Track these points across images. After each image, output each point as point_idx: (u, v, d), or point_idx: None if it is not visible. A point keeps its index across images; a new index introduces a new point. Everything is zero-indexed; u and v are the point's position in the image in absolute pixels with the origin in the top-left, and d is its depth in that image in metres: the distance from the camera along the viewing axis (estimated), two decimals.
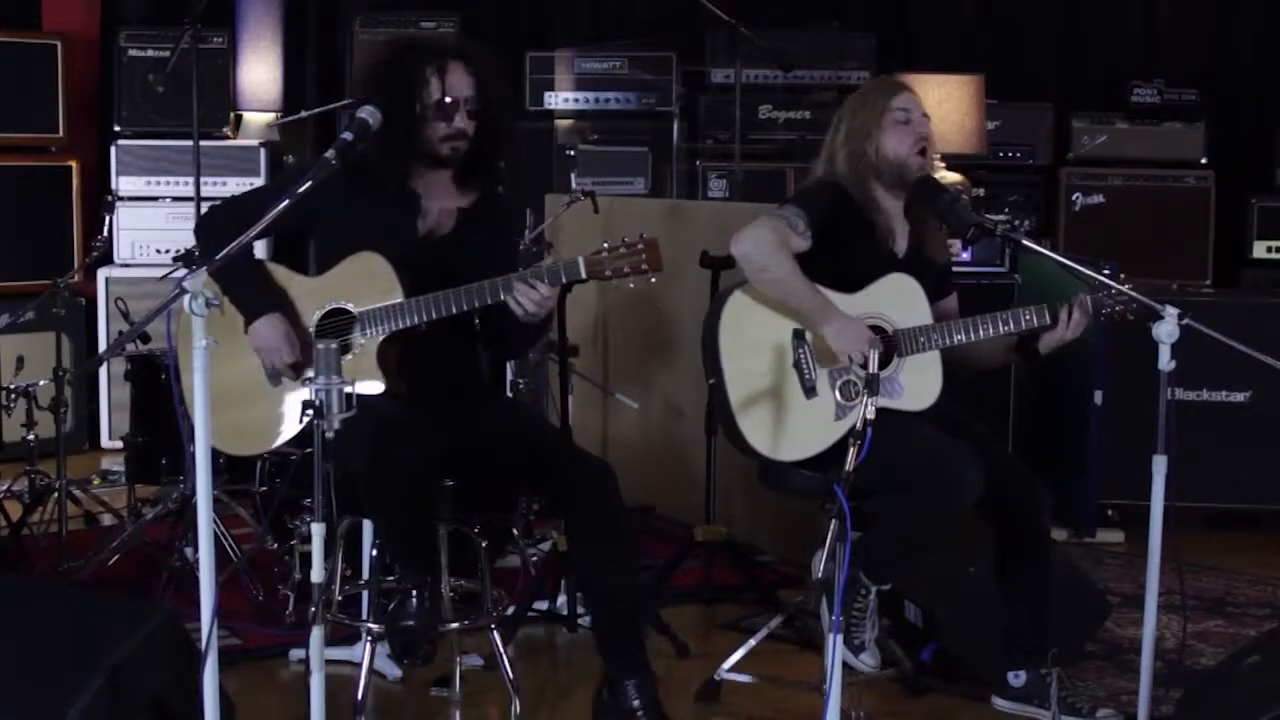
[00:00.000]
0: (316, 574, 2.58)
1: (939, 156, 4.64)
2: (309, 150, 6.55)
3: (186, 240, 5.13)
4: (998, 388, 5.14)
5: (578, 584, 3.78)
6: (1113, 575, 4.64)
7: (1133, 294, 3.20)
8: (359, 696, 3.16)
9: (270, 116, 6.61)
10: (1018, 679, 3.53)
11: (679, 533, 4.73)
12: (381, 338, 3.16)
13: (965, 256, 5.26)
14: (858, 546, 3.28)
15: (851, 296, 3.42)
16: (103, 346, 6.10)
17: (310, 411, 2.56)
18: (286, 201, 2.69)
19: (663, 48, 6.57)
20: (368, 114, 2.87)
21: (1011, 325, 3.41)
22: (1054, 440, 5.12)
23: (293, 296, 3.27)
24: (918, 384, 3.41)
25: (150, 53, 6.28)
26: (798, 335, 3.37)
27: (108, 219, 4.71)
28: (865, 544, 3.33)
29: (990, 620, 3.56)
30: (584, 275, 3.08)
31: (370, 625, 3.24)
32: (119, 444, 5.38)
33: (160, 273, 4.92)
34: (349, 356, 3.16)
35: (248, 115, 6.66)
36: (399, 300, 3.15)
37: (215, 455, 3.32)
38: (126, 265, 6.25)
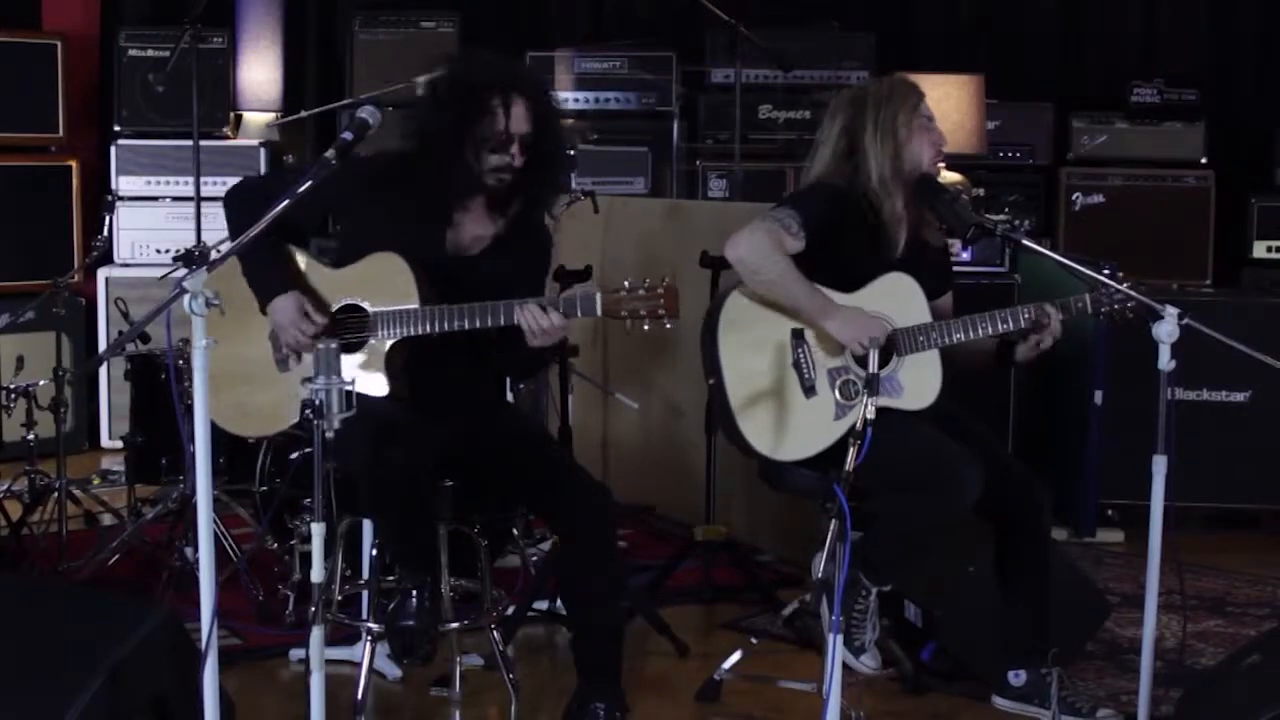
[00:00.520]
0: (316, 574, 2.58)
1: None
2: (309, 150, 6.55)
3: (186, 240, 5.16)
4: (998, 388, 5.14)
5: (563, 603, 3.78)
6: (1113, 575, 4.64)
7: (1132, 294, 3.20)
8: (359, 696, 3.16)
9: (270, 116, 6.61)
10: (1018, 679, 3.53)
11: (679, 533, 4.73)
12: (393, 341, 3.16)
13: (965, 256, 5.26)
14: (858, 547, 3.28)
15: (850, 296, 3.41)
16: (103, 346, 6.10)
17: (310, 411, 2.56)
18: (289, 200, 2.70)
19: (663, 48, 6.56)
20: (368, 113, 2.86)
21: (1010, 324, 3.41)
22: (1054, 440, 5.12)
23: (312, 284, 3.26)
24: (917, 383, 3.40)
25: (150, 53, 6.28)
26: (797, 335, 3.37)
27: (108, 219, 4.71)
28: (865, 544, 3.33)
29: (990, 620, 3.56)
30: (599, 313, 3.08)
31: (370, 625, 3.24)
32: (119, 444, 5.38)
33: (160, 273, 4.93)
34: (359, 355, 3.16)
35: (248, 115, 6.66)
36: (415, 306, 3.15)
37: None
38: (126, 265, 6.25)
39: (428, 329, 3.12)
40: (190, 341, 2.47)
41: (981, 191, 6.14)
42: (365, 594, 3.43)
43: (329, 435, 2.57)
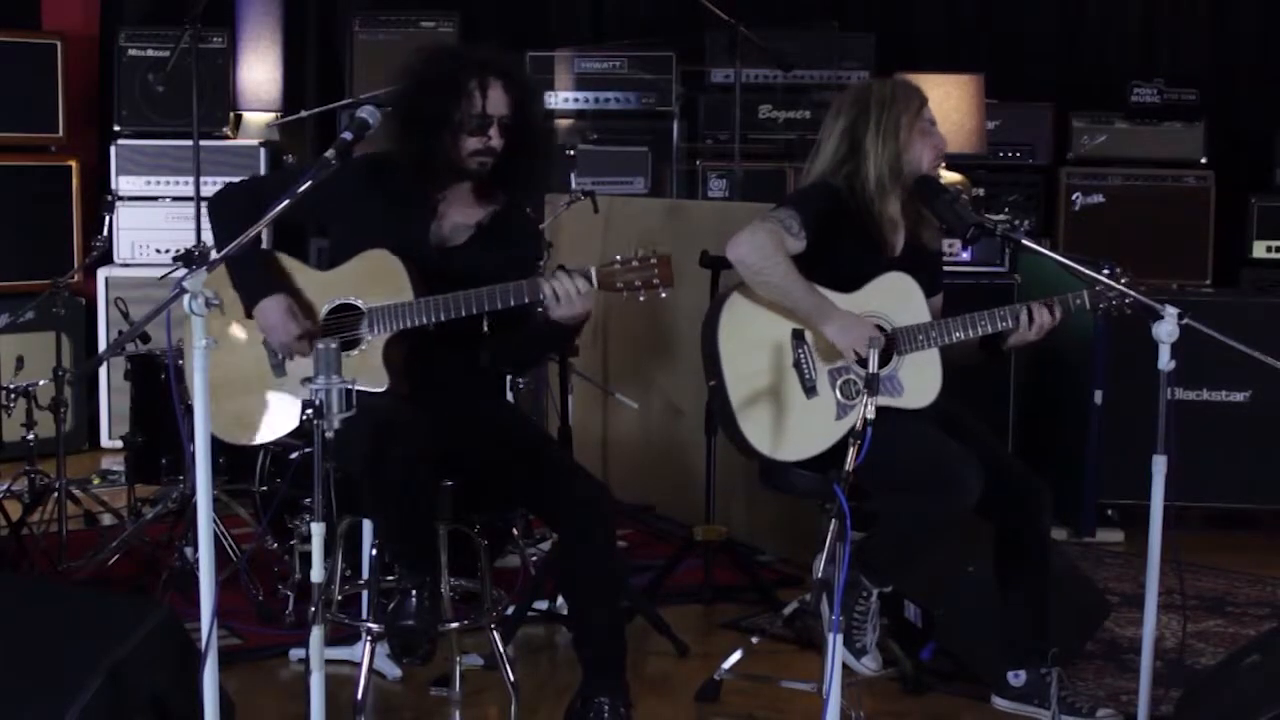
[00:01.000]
0: (316, 574, 2.58)
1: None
2: (309, 150, 6.55)
3: (186, 240, 5.16)
4: (998, 388, 5.14)
5: (564, 601, 3.78)
6: (1113, 575, 4.64)
7: (1132, 293, 3.20)
8: (359, 696, 3.16)
9: (270, 116, 6.61)
10: (1018, 679, 3.53)
11: (679, 533, 4.73)
12: (388, 335, 3.16)
13: (965, 256, 5.26)
14: (858, 549, 3.28)
15: (849, 296, 3.41)
16: (103, 346, 6.10)
17: (310, 411, 2.56)
18: (287, 201, 2.70)
19: (663, 48, 6.56)
20: (367, 113, 2.86)
21: (1010, 322, 3.41)
22: (1054, 440, 5.12)
23: (300, 286, 3.26)
24: (918, 382, 3.40)
25: (150, 52, 6.28)
26: (797, 335, 3.37)
27: (108, 219, 4.71)
28: (865, 545, 3.33)
29: (990, 620, 3.56)
30: (594, 285, 3.08)
31: (370, 625, 3.24)
32: (119, 444, 5.37)
33: (160, 273, 4.93)
34: (355, 353, 3.16)
35: (248, 115, 6.67)
36: (409, 300, 3.15)
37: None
38: (126, 265, 6.25)
39: (425, 320, 3.12)
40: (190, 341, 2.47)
41: (981, 191, 6.14)
42: (365, 594, 3.44)
43: (329, 435, 2.58)
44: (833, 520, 2.81)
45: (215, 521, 2.75)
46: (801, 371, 3.37)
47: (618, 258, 3.09)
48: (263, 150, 6.35)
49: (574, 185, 5.16)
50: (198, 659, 2.53)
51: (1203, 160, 6.53)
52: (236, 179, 3.52)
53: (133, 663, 2.60)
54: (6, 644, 2.69)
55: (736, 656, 3.57)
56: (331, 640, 3.26)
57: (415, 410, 3.14)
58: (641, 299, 3.09)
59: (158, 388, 4.78)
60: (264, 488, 4.24)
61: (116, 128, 6.32)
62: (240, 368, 3.24)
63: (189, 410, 2.63)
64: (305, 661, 2.71)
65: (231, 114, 6.45)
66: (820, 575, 3.20)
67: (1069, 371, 4.94)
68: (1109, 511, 5.09)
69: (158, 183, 6.26)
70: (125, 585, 4.21)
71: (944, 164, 3.58)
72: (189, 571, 4.02)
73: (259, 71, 6.67)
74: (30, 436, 4.57)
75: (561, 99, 6.55)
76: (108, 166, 6.27)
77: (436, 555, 3.22)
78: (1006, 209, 6.18)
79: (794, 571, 4.53)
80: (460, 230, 3.32)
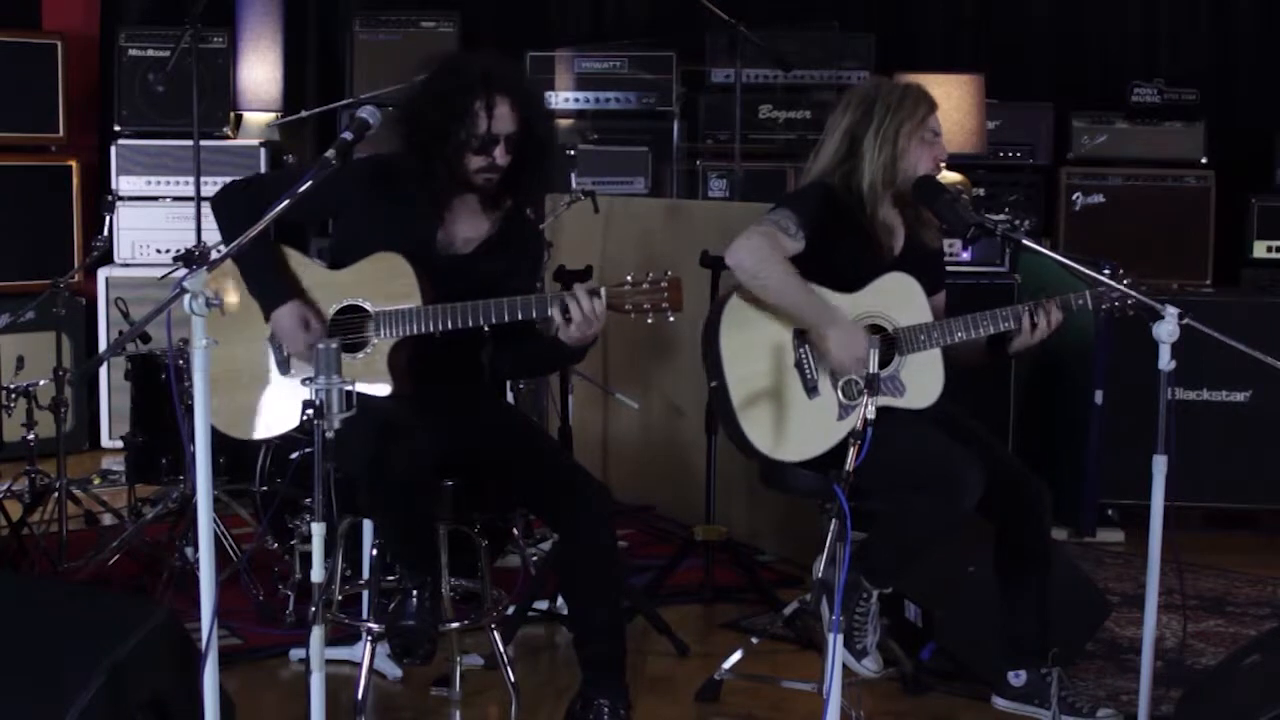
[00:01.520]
0: (316, 574, 2.58)
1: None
2: (309, 150, 6.55)
3: (187, 240, 5.16)
4: (998, 388, 5.14)
5: (564, 601, 3.78)
6: (1113, 575, 4.64)
7: (1132, 293, 3.19)
8: (359, 696, 3.16)
9: (270, 116, 6.61)
10: (1018, 679, 3.53)
11: (679, 533, 4.73)
12: (395, 340, 3.16)
13: (965, 256, 5.26)
14: (858, 550, 3.28)
15: (851, 296, 3.41)
16: (103, 346, 6.10)
17: (310, 411, 2.56)
18: (288, 201, 2.70)
19: (663, 48, 6.56)
20: (368, 113, 2.86)
21: (1012, 322, 3.41)
22: (1054, 440, 5.12)
23: (308, 285, 3.26)
24: (919, 382, 3.40)
25: (150, 52, 6.28)
26: (798, 335, 3.37)
27: (108, 219, 4.71)
28: (866, 546, 3.33)
29: (990, 620, 3.56)
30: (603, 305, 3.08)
31: (370, 625, 3.24)
32: (119, 444, 5.38)
33: (160, 273, 4.93)
34: (360, 355, 3.16)
35: (248, 115, 6.66)
36: (417, 305, 3.15)
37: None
38: (126, 265, 6.25)
39: (433, 328, 3.12)
40: (190, 341, 2.47)
41: (981, 191, 6.14)
42: (365, 594, 3.44)
43: (329, 435, 2.58)
44: (833, 520, 2.81)
45: (215, 521, 2.75)
46: (803, 372, 3.37)
47: (629, 278, 3.08)
48: (263, 150, 6.35)
49: (574, 185, 5.16)
50: (198, 659, 2.53)
51: (1203, 160, 6.53)
52: (237, 178, 3.52)
53: (133, 663, 2.60)
54: (6, 644, 2.69)
55: (737, 656, 3.57)
56: (332, 640, 3.26)
57: (416, 411, 3.14)
58: (649, 321, 3.09)
59: (158, 388, 4.78)
60: (264, 488, 4.24)
61: (117, 128, 6.32)
62: (246, 361, 3.24)
63: (189, 410, 2.63)
64: (305, 661, 2.70)
65: (232, 114, 6.45)
66: (820, 575, 3.21)
67: (1069, 371, 4.94)
68: (1109, 511, 5.09)
69: (158, 183, 6.26)
70: (125, 585, 4.21)
71: (944, 164, 3.57)
72: (189, 571, 4.03)
73: (259, 71, 6.67)
74: (30, 436, 4.57)
75: (561, 99, 6.55)
76: (108, 166, 6.27)
77: (437, 555, 3.22)
78: (1006, 209, 6.17)
79: (794, 571, 4.53)
80: (465, 241, 3.32)
